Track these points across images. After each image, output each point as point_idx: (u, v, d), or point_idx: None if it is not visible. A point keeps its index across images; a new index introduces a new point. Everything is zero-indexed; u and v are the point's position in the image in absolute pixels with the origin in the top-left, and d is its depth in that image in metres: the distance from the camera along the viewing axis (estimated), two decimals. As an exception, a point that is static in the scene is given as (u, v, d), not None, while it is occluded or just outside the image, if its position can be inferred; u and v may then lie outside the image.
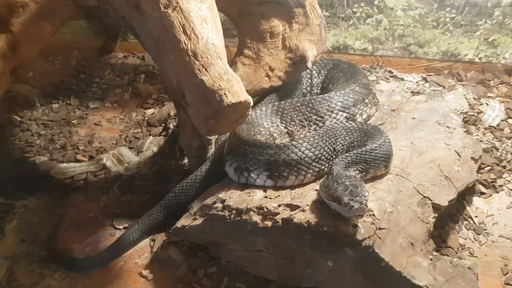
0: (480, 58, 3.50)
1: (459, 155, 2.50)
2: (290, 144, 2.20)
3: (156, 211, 2.43)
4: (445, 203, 2.20)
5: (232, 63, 2.99)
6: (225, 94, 1.90)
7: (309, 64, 2.88)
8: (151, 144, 2.98)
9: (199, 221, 2.20)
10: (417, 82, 3.47)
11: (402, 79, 3.51)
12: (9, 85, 2.41)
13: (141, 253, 2.36)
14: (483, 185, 2.68)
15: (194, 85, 1.96)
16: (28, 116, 3.26)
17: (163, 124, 3.12)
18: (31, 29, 2.38)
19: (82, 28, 3.81)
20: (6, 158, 2.93)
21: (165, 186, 2.64)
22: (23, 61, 2.41)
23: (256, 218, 2.03)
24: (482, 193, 2.64)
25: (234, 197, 2.15)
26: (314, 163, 2.19)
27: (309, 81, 3.17)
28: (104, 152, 2.95)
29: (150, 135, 3.07)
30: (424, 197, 2.17)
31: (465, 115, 3.06)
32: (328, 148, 2.26)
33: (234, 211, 2.09)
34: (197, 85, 1.95)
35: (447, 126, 2.69)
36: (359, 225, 1.88)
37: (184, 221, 2.28)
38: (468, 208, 2.56)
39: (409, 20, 3.44)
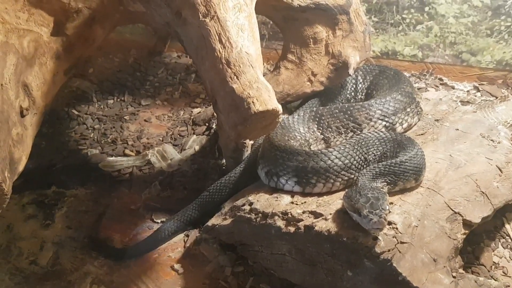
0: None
1: (500, 170, 2.41)
2: (319, 151, 2.23)
3: (191, 208, 2.55)
4: (478, 220, 2.14)
5: (276, 67, 3.06)
6: (253, 102, 1.97)
7: (351, 71, 2.88)
8: (194, 143, 3.11)
9: (228, 221, 2.29)
10: (468, 91, 3.36)
11: (453, 87, 3.42)
12: (63, 84, 2.60)
13: (175, 247, 2.47)
14: (526, 202, 2.56)
15: (225, 92, 2.05)
16: (85, 110, 3.50)
17: (207, 124, 3.23)
18: (84, 32, 2.56)
19: (140, 29, 4.02)
20: (61, 149, 3.15)
21: (203, 184, 2.75)
22: (76, 62, 2.60)
23: (280, 223, 2.09)
24: (525, 211, 2.54)
25: (261, 201, 2.22)
26: (343, 172, 2.21)
27: (354, 86, 3.17)
28: (151, 148, 3.11)
29: (194, 133, 3.20)
30: (455, 212, 2.12)
31: (515, 128, 2.93)
32: (359, 158, 2.26)
33: (260, 215, 2.16)
34: (228, 93, 2.04)
35: (491, 140, 2.60)
36: (379, 238, 1.88)
37: (215, 220, 2.38)
38: (507, 225, 2.47)
39: (461, 27, 3.33)
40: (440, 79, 3.46)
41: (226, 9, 2.21)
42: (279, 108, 2.06)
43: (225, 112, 2.08)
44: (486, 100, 3.22)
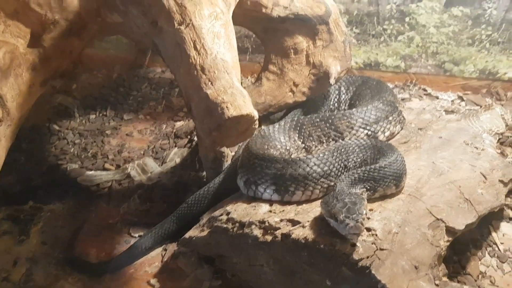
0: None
1: (485, 177, 2.37)
2: (298, 159, 2.19)
3: (169, 221, 2.48)
4: (461, 227, 2.08)
5: (258, 78, 3.04)
6: (227, 107, 1.94)
7: (332, 80, 2.87)
8: (175, 155, 3.06)
9: (205, 232, 2.22)
10: (452, 100, 3.34)
11: (437, 98, 3.40)
12: (46, 100, 2.57)
13: (152, 262, 2.40)
14: (513, 210, 2.52)
15: (200, 98, 2.02)
16: (66, 125, 3.45)
17: (189, 136, 3.20)
18: (61, 44, 2.53)
19: (124, 44, 4.02)
20: (40, 164, 3.09)
21: (183, 197, 2.68)
22: (53, 74, 2.56)
23: (257, 232, 2.03)
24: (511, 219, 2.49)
25: (239, 210, 2.16)
26: (322, 179, 2.16)
27: (337, 97, 3.14)
28: (131, 162, 3.06)
29: (176, 146, 3.16)
30: (437, 219, 2.06)
31: (500, 136, 2.90)
32: (338, 165, 2.22)
33: (237, 224, 2.10)
34: (202, 98, 2.01)
35: (475, 147, 2.57)
36: (358, 244, 1.82)
37: (192, 232, 2.31)
38: (494, 234, 2.42)
39: (442, 37, 3.34)
40: (424, 90, 3.45)
41: (201, 17, 2.20)
42: (255, 113, 2.02)
43: (199, 118, 2.04)
44: (471, 109, 3.19)
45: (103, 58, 4.02)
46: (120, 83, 3.93)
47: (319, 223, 1.94)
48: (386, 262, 1.80)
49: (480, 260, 2.29)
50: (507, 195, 2.46)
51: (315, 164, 2.16)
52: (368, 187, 2.07)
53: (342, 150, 2.28)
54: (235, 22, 2.50)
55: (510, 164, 2.56)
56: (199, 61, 2.07)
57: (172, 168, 2.96)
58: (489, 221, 2.44)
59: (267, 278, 2.08)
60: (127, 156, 3.13)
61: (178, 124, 3.41)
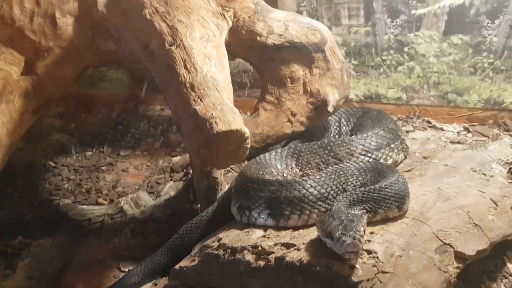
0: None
1: (495, 203, 2.23)
2: (293, 180, 2.08)
3: (160, 254, 2.35)
4: (472, 253, 1.92)
5: (255, 109, 2.98)
6: (215, 122, 1.86)
7: (330, 108, 2.79)
8: (170, 189, 2.97)
9: (196, 261, 2.09)
10: (458, 132, 3.23)
11: (442, 129, 3.29)
12: (32, 123, 2.52)
13: (141, 297, 2.26)
14: (528, 240, 2.34)
15: (189, 116, 1.95)
16: (62, 162, 3.41)
17: (184, 170, 3.11)
18: (55, 71, 2.51)
19: (123, 83, 4.03)
20: (33, 200, 3.03)
21: (177, 229, 2.55)
22: (46, 101, 2.53)
23: (250, 257, 1.89)
24: (527, 250, 2.31)
25: (231, 236, 2.03)
26: (319, 202, 2.03)
27: (338, 129, 3.06)
28: (125, 196, 2.97)
29: (171, 180, 3.07)
30: (445, 243, 1.91)
31: (511, 166, 2.77)
32: (336, 188, 2.09)
33: (228, 250, 1.97)
34: (191, 115, 1.94)
35: (483, 174, 2.44)
36: (357, 266, 1.67)
37: (183, 263, 2.17)
38: (509, 264, 2.24)
39: (443, 66, 3.27)
40: (428, 122, 3.35)
41: (192, 38, 2.18)
42: (246, 130, 1.94)
43: (188, 135, 1.96)
44: (478, 140, 3.08)
45: (103, 98, 4.04)
46: (119, 121, 3.91)
47: (315, 245, 1.81)
48: (388, 285, 1.65)
49: (495, 292, 2.12)
50: (521, 224, 2.30)
51: (311, 186, 2.05)
52: (368, 209, 1.94)
53: (341, 172, 2.17)
54: (231, 53, 2.48)
55: (522, 193, 2.41)
56: (189, 79, 2.02)
57: (166, 201, 2.86)
58: (504, 251, 2.27)
59: (261, 310, 1.92)
60: (121, 191, 3.05)
61: (175, 159, 3.34)
